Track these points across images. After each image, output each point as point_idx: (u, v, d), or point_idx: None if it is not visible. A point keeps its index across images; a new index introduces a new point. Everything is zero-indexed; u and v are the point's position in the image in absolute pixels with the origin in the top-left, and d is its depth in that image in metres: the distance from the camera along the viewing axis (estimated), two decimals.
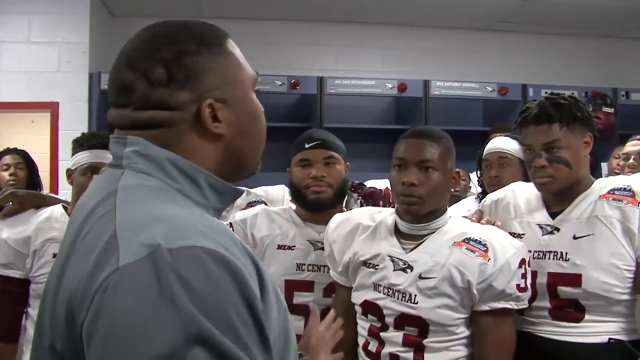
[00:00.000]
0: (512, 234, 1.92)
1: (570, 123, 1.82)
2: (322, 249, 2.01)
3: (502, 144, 2.69)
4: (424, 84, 5.28)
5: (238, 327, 0.72)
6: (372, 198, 2.59)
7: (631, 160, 3.13)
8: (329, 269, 1.98)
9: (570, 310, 1.79)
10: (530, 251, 1.84)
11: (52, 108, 4.88)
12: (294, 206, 2.14)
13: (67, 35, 4.91)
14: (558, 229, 1.86)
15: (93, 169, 2.20)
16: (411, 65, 5.84)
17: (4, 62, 4.87)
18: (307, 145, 2.01)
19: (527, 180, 2.57)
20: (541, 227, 1.90)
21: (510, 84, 5.38)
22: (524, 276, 1.68)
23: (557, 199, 1.90)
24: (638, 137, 3.26)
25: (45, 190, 4.50)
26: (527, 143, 1.90)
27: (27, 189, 3.34)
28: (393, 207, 2.28)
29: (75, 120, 4.74)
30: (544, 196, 1.95)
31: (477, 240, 1.70)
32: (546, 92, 5.19)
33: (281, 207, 2.21)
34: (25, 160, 3.71)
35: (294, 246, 2.03)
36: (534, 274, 1.82)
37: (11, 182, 3.59)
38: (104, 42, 5.28)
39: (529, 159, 1.89)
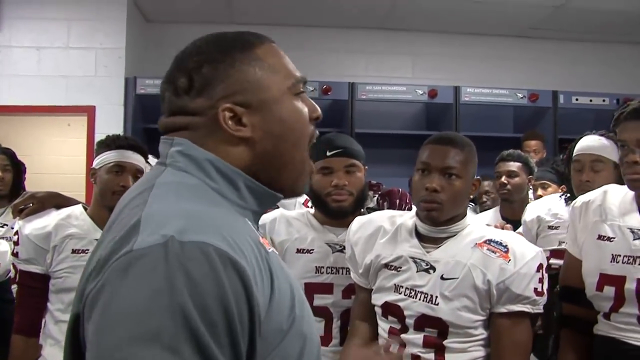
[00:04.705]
0: (602, 237, 1.85)
1: None
2: (341, 251, 2.03)
3: (595, 143, 2.51)
4: (455, 90, 5.28)
5: (230, 327, 0.75)
6: (390, 196, 2.62)
7: None
8: (347, 271, 2.00)
9: None
10: (619, 255, 1.78)
11: (89, 112, 5.01)
12: (312, 210, 2.16)
13: (104, 41, 5.05)
14: None
15: (119, 167, 2.26)
16: (442, 71, 5.85)
17: (44, 66, 5.03)
18: (328, 154, 2.01)
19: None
20: (633, 232, 1.79)
21: (541, 90, 5.35)
22: (541, 280, 1.69)
23: None
24: None
25: (81, 193, 4.57)
26: (621, 138, 1.80)
27: (11, 192, 3.32)
28: (410, 208, 2.30)
29: (111, 124, 4.82)
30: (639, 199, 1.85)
31: (498, 241, 1.72)
32: (577, 99, 5.29)
33: (299, 211, 2.22)
34: (12, 161, 3.45)
35: (313, 249, 2.04)
36: (622, 279, 1.75)
37: None
38: (139, 47, 5.42)
39: (622, 155, 1.80)
